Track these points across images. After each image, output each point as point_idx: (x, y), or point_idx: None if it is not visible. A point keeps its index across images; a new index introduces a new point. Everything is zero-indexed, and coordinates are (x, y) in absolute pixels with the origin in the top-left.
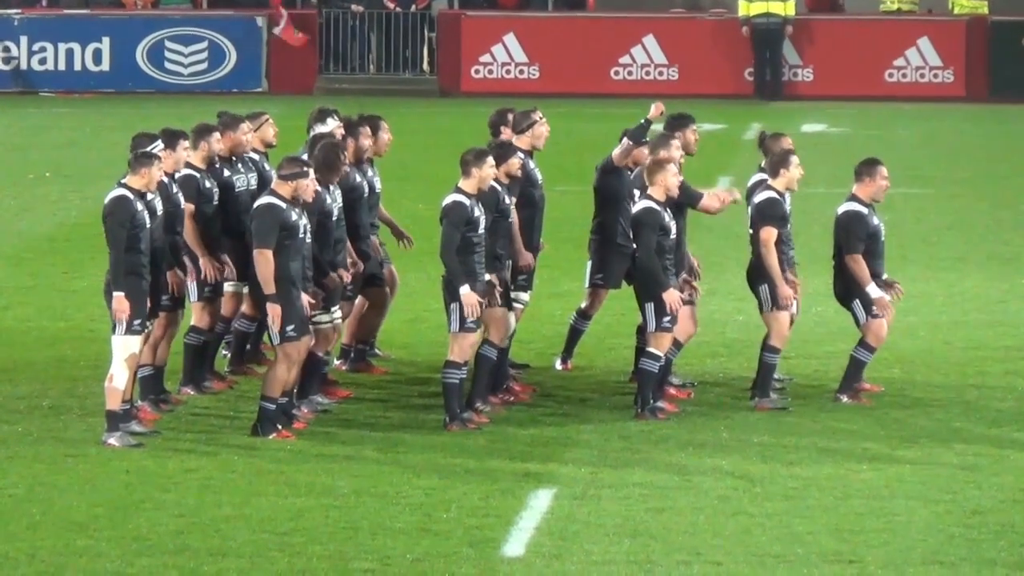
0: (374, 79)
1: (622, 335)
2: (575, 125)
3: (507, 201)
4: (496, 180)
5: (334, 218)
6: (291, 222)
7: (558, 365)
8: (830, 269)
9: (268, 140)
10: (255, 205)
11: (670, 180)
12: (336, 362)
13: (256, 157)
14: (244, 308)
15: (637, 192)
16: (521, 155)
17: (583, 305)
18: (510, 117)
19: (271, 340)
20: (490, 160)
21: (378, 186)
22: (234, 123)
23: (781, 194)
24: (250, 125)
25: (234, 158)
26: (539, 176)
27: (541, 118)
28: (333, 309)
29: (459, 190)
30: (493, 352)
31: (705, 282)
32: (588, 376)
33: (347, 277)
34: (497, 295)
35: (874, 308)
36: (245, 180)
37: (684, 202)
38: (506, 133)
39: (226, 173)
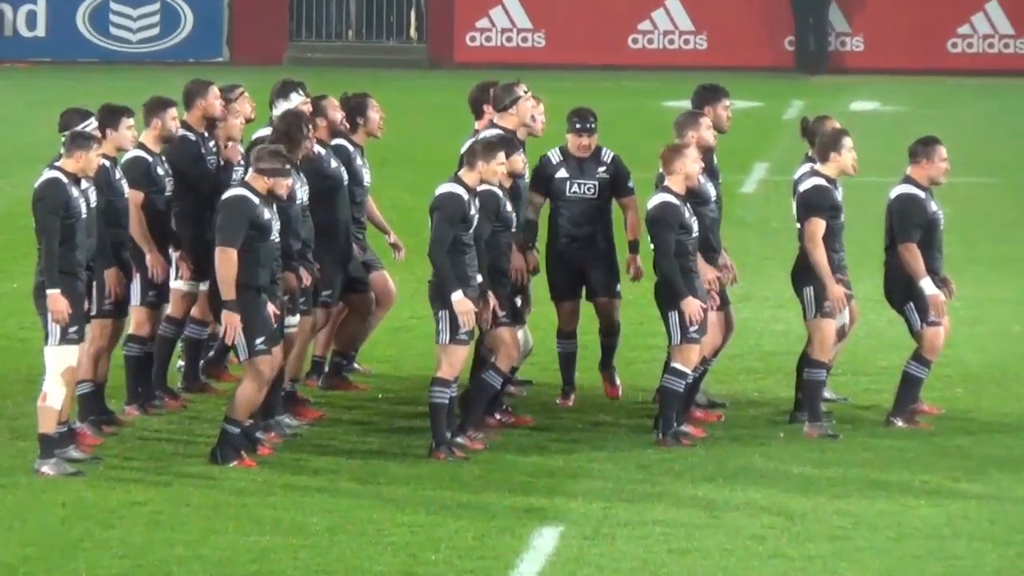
0: (353, 47)
1: (640, 347)
2: (586, 102)
3: (508, 209)
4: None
5: (297, 202)
6: (263, 220)
7: (558, 401)
8: (881, 269)
9: (245, 115)
10: (223, 197)
11: (690, 167)
12: (306, 378)
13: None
14: (194, 311)
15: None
16: (522, 147)
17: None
18: (493, 92)
19: (237, 355)
20: (502, 156)
21: (366, 178)
22: (202, 88)
23: (832, 181)
24: (216, 93)
25: (206, 134)
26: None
27: (527, 92)
28: (293, 315)
29: (458, 180)
30: (498, 380)
31: (739, 285)
32: (601, 396)
33: (306, 279)
34: (499, 312)
35: (930, 313)
36: (209, 151)
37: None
38: (489, 112)
39: (201, 150)
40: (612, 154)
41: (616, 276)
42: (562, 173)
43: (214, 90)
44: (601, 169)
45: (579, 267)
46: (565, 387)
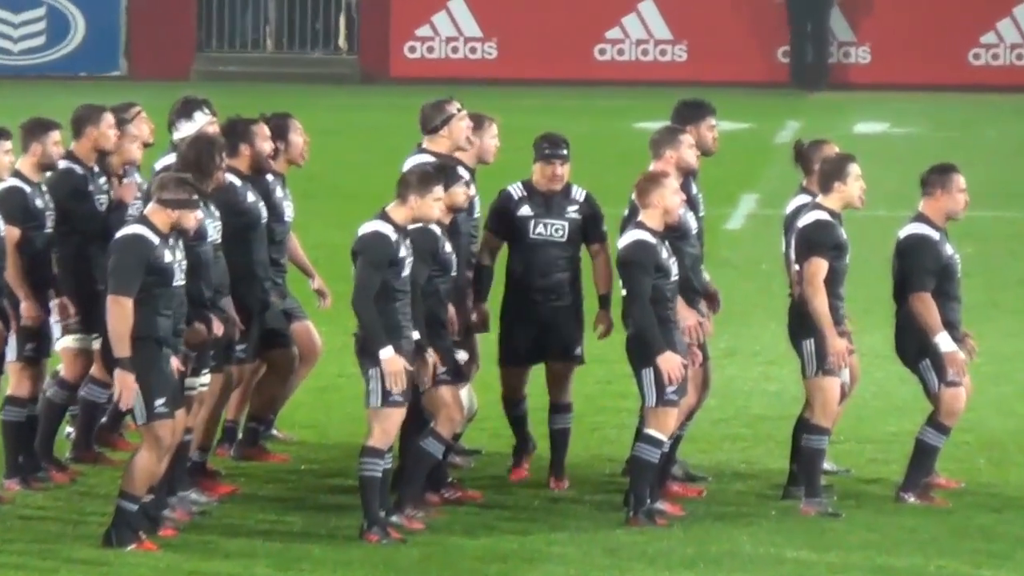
0: (272, 59)
1: (608, 410)
2: (545, 123)
3: (447, 250)
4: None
5: (208, 240)
6: (163, 263)
7: (510, 473)
8: (891, 320)
9: (144, 139)
10: (117, 236)
11: (669, 200)
12: (217, 447)
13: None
14: (94, 370)
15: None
16: (467, 176)
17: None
18: (422, 111)
19: (134, 418)
20: (438, 190)
21: (288, 212)
22: (95, 115)
23: (836, 215)
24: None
25: (96, 168)
26: (477, 205)
27: (460, 110)
28: (203, 372)
29: (384, 217)
30: (439, 448)
31: (723, 337)
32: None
33: (218, 328)
34: (438, 367)
35: (947, 372)
36: (98, 188)
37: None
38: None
39: (89, 186)
40: (584, 191)
41: (580, 337)
42: (525, 211)
43: (108, 118)
44: (572, 208)
45: (540, 325)
46: (518, 446)
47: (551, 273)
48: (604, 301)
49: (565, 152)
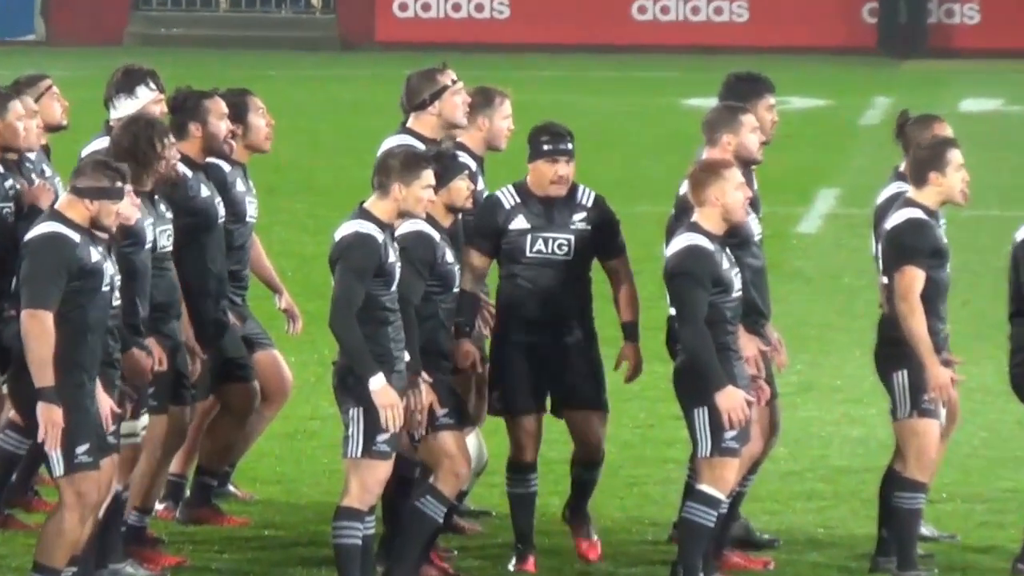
0: (227, 20)
1: (650, 462)
2: (568, 99)
3: (448, 259)
4: (431, 219)
5: (147, 246)
6: (88, 266)
7: (511, 566)
8: (1006, 346)
9: (53, 121)
10: (27, 237)
11: (731, 196)
12: (159, 506)
13: (31, 155)
14: (9, 414)
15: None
16: (470, 167)
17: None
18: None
19: (49, 469)
20: (427, 176)
21: (251, 211)
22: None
23: (932, 213)
24: (24, 107)
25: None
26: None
27: (455, 82)
28: (142, 413)
29: (364, 214)
30: (440, 509)
31: (795, 369)
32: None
33: (159, 356)
34: (438, 409)
35: None
36: (3, 192)
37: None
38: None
39: None
40: (593, 194)
41: (601, 380)
42: (520, 223)
43: (16, 108)
44: (579, 216)
45: (543, 365)
46: (519, 547)
47: (553, 299)
48: (630, 331)
49: (571, 146)
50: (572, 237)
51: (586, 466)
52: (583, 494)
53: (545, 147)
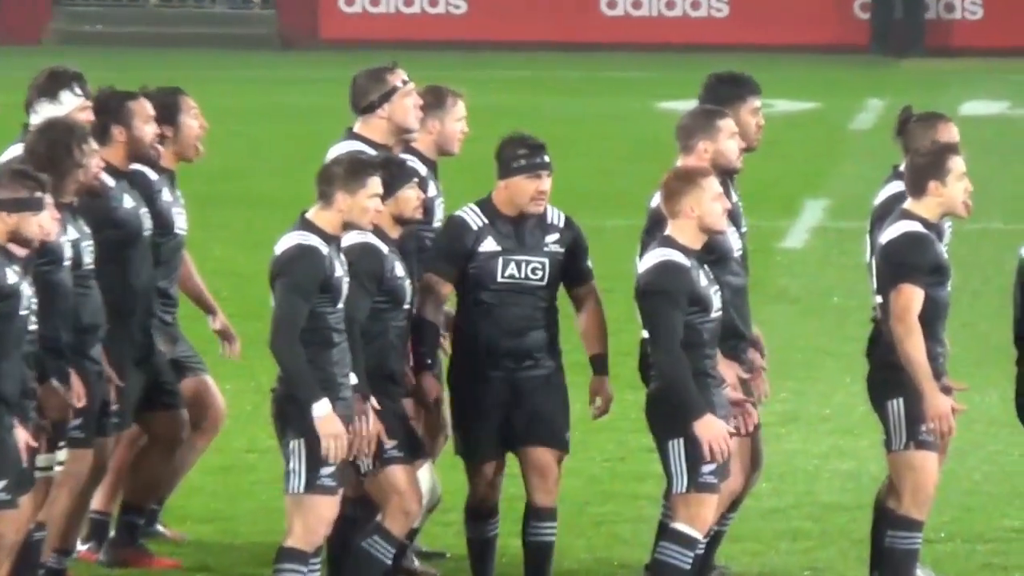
0: (157, 15)
1: (620, 497)
2: (531, 102)
3: (398, 273)
4: (378, 231)
5: (66, 262)
6: (4, 288)
7: None
8: (1011, 372)
9: None
10: None
11: (708, 207)
12: (82, 547)
13: None
14: None
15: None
16: (420, 173)
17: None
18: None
19: None
20: (374, 184)
21: (180, 222)
22: None
23: (931, 226)
24: None
25: None
26: (439, 209)
27: (406, 83)
28: (60, 446)
29: (306, 225)
30: (388, 550)
31: (779, 397)
32: (557, 571)
33: (78, 391)
34: (386, 441)
35: None
36: None
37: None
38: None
39: None
40: (562, 214)
41: (567, 417)
42: (490, 245)
43: None
44: (551, 238)
45: (510, 403)
46: None
47: (526, 330)
48: (598, 364)
49: (548, 159)
50: (547, 260)
51: (540, 517)
52: (544, 558)
53: (523, 162)
